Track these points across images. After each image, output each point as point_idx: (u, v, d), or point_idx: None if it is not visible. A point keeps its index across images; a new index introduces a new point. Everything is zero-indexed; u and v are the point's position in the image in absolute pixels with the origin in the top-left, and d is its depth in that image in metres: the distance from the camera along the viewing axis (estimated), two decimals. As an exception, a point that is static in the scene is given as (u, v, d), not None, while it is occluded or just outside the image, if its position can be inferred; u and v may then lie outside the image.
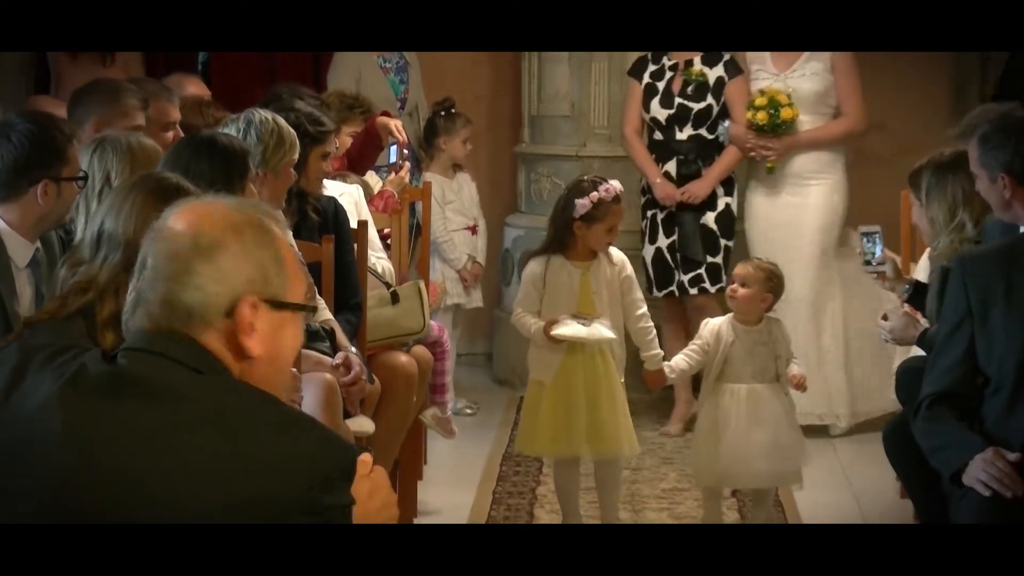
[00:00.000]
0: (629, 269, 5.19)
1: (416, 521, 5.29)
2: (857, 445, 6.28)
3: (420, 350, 5.25)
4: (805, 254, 6.41)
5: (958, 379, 3.83)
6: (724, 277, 6.39)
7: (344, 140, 5.80)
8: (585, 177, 5.22)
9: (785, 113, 6.32)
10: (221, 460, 2.12)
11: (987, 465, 3.56)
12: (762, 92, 6.39)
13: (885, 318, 4.83)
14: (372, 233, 5.30)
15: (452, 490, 5.68)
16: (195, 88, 6.00)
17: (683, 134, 6.47)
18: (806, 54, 6.47)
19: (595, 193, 4.98)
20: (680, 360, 5.13)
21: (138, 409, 2.16)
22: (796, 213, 6.47)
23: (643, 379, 5.28)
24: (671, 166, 6.46)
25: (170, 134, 5.09)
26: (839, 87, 6.50)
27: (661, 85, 6.50)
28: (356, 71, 6.93)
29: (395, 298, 5.16)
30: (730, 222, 6.55)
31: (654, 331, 5.24)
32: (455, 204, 6.87)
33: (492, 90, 7.96)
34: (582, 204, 4.98)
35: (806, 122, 6.43)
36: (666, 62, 6.52)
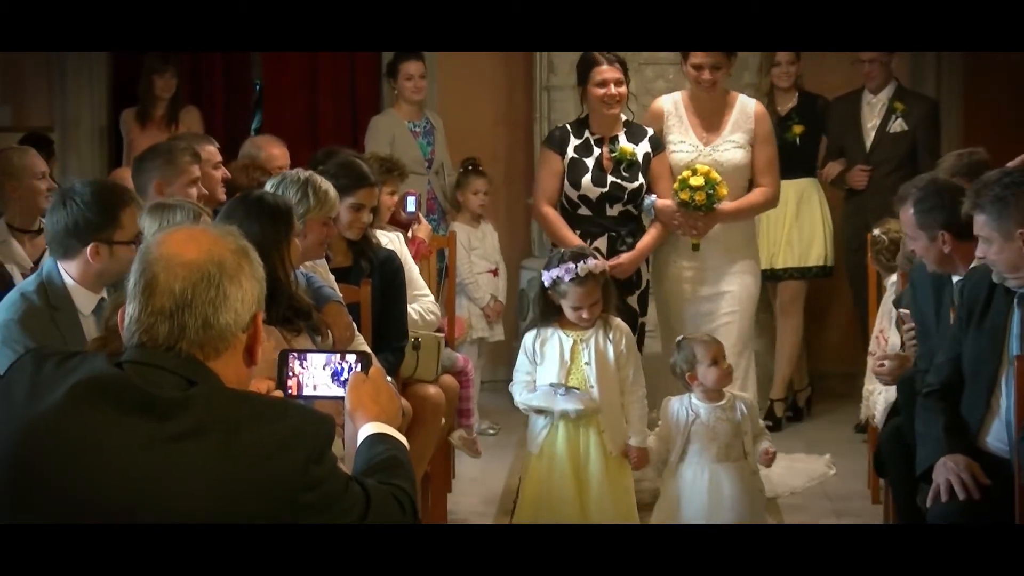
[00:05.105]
0: (627, 342, 4.91)
1: (446, 527, 5.57)
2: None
3: (448, 379, 5.53)
4: (732, 323, 5.89)
5: (952, 374, 4.16)
6: None
7: (384, 199, 5.84)
8: (563, 250, 5.00)
9: (721, 191, 5.76)
10: (223, 457, 2.21)
11: (946, 471, 3.91)
12: (694, 171, 5.77)
13: (882, 366, 4.89)
14: (415, 274, 5.58)
15: (477, 500, 5.98)
16: (276, 149, 6.27)
17: (613, 211, 5.85)
18: (729, 125, 5.93)
19: (555, 270, 4.78)
20: (651, 440, 4.92)
21: (143, 420, 2.23)
22: (723, 283, 5.93)
23: (625, 453, 4.96)
24: (601, 243, 5.81)
25: (219, 172, 5.40)
26: (760, 158, 5.95)
27: (590, 161, 5.86)
28: (390, 135, 7.28)
29: (416, 345, 5.25)
30: (646, 300, 6.02)
31: (645, 409, 4.98)
32: (479, 250, 7.24)
33: (508, 150, 8.28)
34: (546, 276, 4.83)
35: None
36: (590, 136, 5.89)
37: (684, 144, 5.92)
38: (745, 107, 5.99)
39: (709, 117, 5.95)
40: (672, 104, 6.02)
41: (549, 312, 4.85)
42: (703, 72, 5.80)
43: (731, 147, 5.91)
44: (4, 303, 3.92)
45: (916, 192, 4.49)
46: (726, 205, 5.84)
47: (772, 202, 6.10)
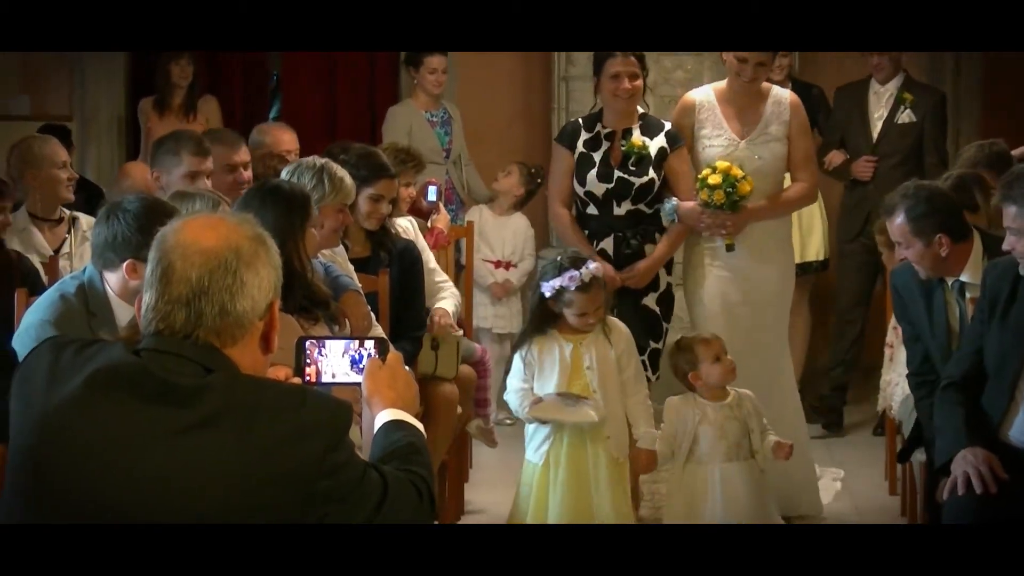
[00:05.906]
0: (626, 343, 4.78)
1: (463, 516, 5.67)
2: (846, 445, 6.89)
3: (466, 369, 5.56)
4: (769, 327, 5.66)
5: (972, 367, 4.18)
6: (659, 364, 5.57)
7: (402, 191, 5.79)
8: (559, 257, 4.79)
9: (743, 188, 5.41)
10: (241, 444, 2.22)
11: (965, 464, 3.91)
12: (713, 168, 5.43)
13: None
14: (431, 262, 5.60)
15: (494, 491, 5.92)
16: (285, 133, 6.27)
17: (621, 209, 5.53)
18: (765, 118, 5.60)
19: (557, 280, 4.64)
20: (656, 443, 4.80)
21: (161, 408, 2.24)
22: (758, 287, 5.63)
23: (631, 457, 4.84)
24: (607, 243, 5.54)
25: (231, 176, 5.36)
26: (796, 151, 5.65)
27: (597, 156, 5.54)
28: (407, 125, 7.28)
29: (435, 344, 5.25)
30: (671, 303, 5.67)
31: (650, 410, 4.82)
32: (486, 237, 7.26)
33: (526, 141, 8.16)
34: (547, 287, 4.68)
35: (759, 190, 5.53)
36: (601, 130, 5.57)
37: (720, 138, 5.58)
38: (779, 98, 5.66)
39: (744, 110, 5.62)
40: (704, 97, 5.67)
41: (547, 320, 4.73)
42: (746, 67, 5.52)
43: (768, 140, 5.59)
44: (41, 302, 3.91)
45: (905, 201, 4.45)
46: (761, 202, 5.55)
47: (811, 197, 5.86)
